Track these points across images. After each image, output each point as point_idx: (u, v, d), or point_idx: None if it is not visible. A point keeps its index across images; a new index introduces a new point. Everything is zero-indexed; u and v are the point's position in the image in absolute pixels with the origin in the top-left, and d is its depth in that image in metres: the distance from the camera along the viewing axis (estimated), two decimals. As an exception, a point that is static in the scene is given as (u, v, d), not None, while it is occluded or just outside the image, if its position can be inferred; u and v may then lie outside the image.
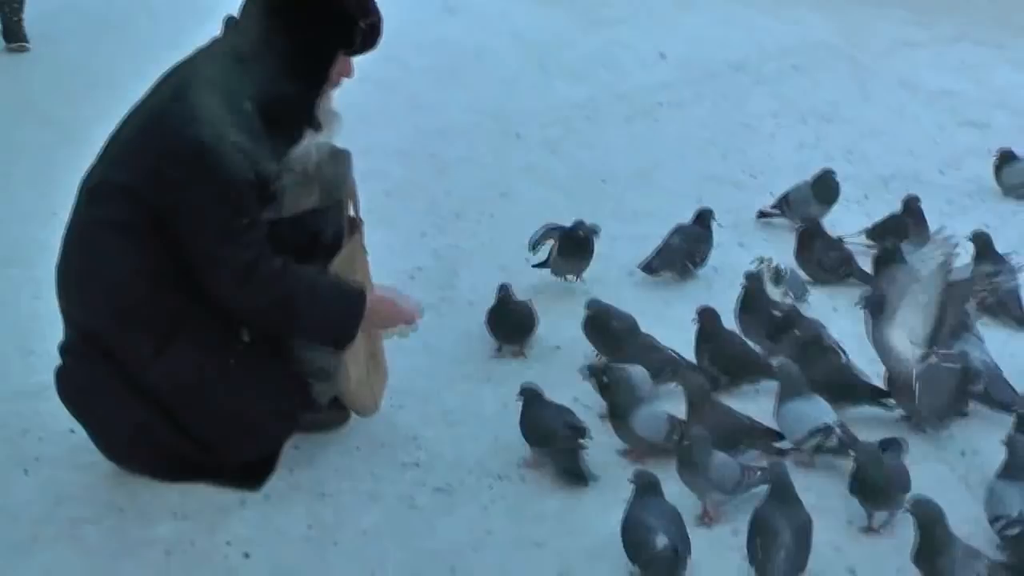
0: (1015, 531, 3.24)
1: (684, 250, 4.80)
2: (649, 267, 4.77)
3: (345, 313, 3.41)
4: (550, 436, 3.59)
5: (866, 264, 4.74)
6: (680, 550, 3.11)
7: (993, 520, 3.31)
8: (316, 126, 3.46)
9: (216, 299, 3.30)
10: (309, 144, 3.47)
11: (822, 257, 4.79)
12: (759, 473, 3.42)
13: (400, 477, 3.56)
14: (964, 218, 5.32)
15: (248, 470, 3.47)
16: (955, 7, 9.47)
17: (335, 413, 3.72)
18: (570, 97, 7.07)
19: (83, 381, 3.40)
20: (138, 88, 3.46)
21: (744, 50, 8.12)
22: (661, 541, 3.09)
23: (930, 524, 3.09)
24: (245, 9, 3.37)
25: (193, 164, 3.19)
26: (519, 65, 7.68)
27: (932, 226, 4.97)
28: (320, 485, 3.50)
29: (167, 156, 3.21)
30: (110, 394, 3.34)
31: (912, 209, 5.03)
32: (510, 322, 4.25)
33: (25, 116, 6.12)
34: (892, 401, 3.88)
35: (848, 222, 5.30)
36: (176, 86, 3.33)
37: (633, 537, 3.15)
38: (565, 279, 4.68)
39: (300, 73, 3.34)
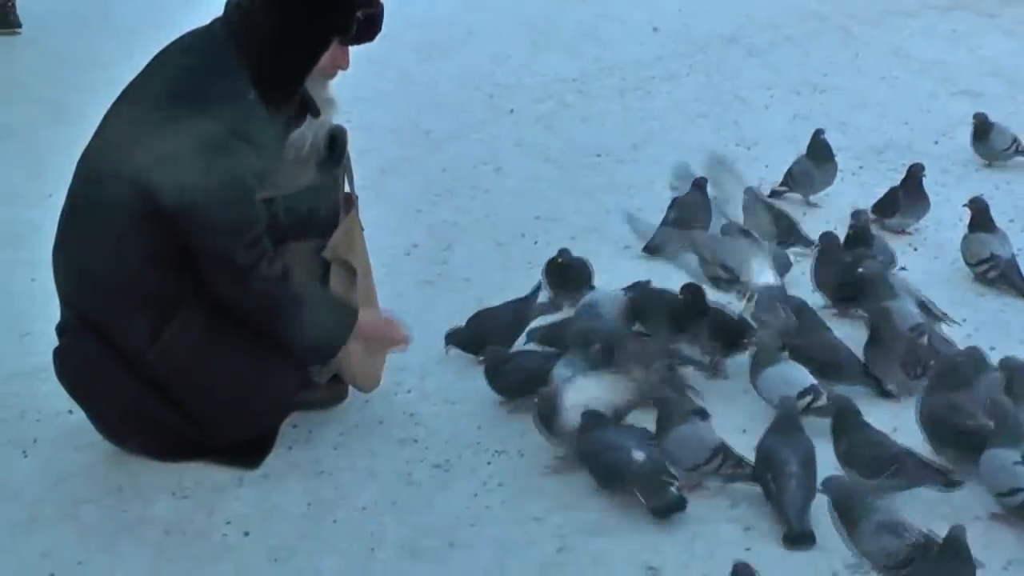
0: None
1: (682, 220, 4.77)
2: (649, 248, 4.76)
3: (333, 329, 3.42)
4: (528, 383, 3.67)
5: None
6: (661, 463, 3.18)
7: (1008, 493, 3.22)
8: (315, 112, 3.45)
9: (212, 289, 3.30)
10: (307, 128, 3.46)
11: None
12: (744, 467, 3.33)
13: (398, 454, 3.56)
14: (959, 187, 5.34)
15: (246, 449, 3.47)
16: (946, -26, 9.46)
17: (333, 390, 3.73)
18: (562, 72, 7.07)
19: (81, 361, 3.39)
20: (129, 69, 3.45)
21: (736, 22, 8.11)
22: (639, 455, 3.14)
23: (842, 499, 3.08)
24: None
25: (200, 159, 3.18)
26: (511, 40, 7.67)
27: (932, 197, 5.00)
28: (318, 463, 3.51)
29: (173, 148, 3.18)
30: (108, 374, 3.34)
31: (912, 177, 5.02)
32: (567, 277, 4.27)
33: (15, 97, 6.11)
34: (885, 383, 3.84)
35: (845, 193, 5.31)
36: (179, 71, 3.29)
37: (607, 461, 3.22)
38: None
39: (291, 55, 3.31)
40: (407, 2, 7.34)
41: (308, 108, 3.44)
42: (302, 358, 3.53)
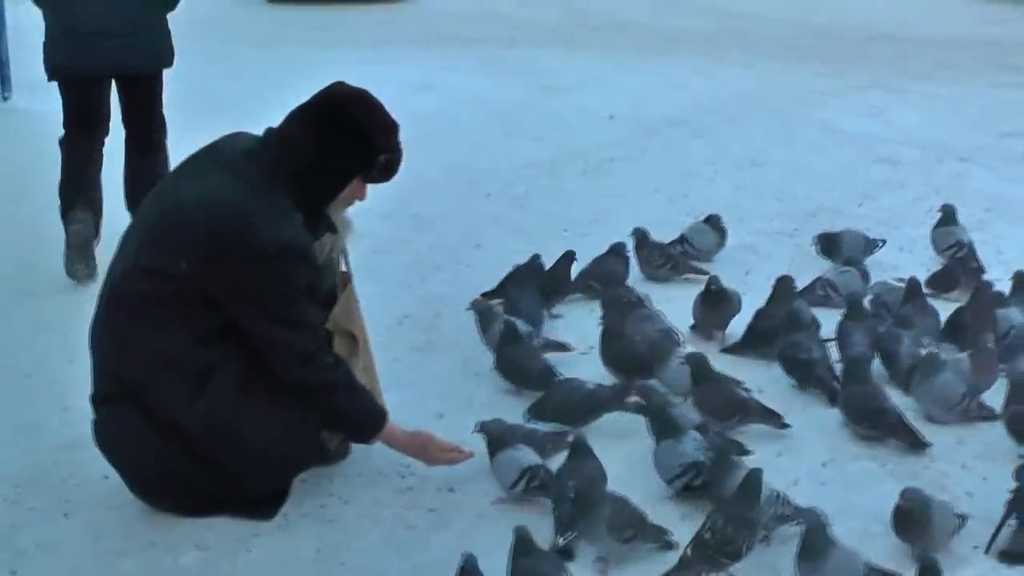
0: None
1: None
2: None
3: (367, 422, 3.52)
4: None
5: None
6: None
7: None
8: (333, 230, 3.56)
9: (278, 372, 3.35)
10: (325, 241, 3.57)
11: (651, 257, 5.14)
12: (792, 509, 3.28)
13: (396, 501, 3.56)
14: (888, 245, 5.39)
15: (262, 502, 3.47)
16: (861, 58, 9.66)
17: (339, 446, 3.72)
18: (532, 157, 7.15)
19: (117, 429, 3.39)
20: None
21: (682, 107, 8.22)
22: None
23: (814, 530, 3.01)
24: (291, 124, 3.39)
25: (268, 268, 3.23)
26: (486, 131, 7.76)
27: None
28: (326, 512, 3.50)
29: (241, 259, 3.23)
30: (145, 440, 3.33)
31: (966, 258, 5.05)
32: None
33: (50, 182, 6.08)
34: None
35: (779, 253, 5.36)
36: (233, 184, 3.31)
37: None
38: None
39: (321, 185, 3.40)
40: (397, 102, 7.38)
41: (328, 227, 3.54)
42: (345, 433, 3.61)
